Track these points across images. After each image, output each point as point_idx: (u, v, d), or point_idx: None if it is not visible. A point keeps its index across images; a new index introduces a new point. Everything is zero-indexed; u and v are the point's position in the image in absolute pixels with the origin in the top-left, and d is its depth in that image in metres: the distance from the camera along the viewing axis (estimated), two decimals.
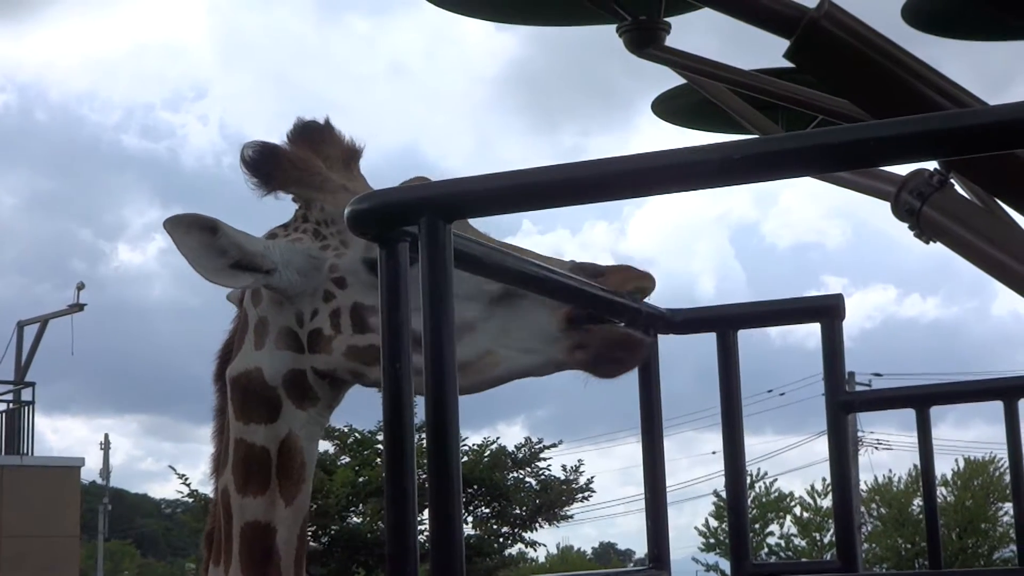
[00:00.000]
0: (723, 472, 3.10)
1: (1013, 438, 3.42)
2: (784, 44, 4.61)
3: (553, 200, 2.03)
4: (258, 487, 3.47)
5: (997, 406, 3.37)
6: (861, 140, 1.82)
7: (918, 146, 1.83)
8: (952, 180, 5.28)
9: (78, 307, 35.87)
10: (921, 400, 3.37)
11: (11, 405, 24.20)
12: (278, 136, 3.64)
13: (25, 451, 22.47)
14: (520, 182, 2.02)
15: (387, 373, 2.14)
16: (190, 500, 46.25)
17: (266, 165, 3.58)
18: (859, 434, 57.30)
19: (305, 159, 3.60)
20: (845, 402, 3.12)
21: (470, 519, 44.41)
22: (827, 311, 3.12)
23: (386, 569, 2.10)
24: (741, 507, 3.09)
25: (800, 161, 1.89)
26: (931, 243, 5.36)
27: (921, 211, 5.23)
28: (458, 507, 1.98)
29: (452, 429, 1.97)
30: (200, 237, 3.44)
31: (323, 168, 3.62)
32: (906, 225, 5.36)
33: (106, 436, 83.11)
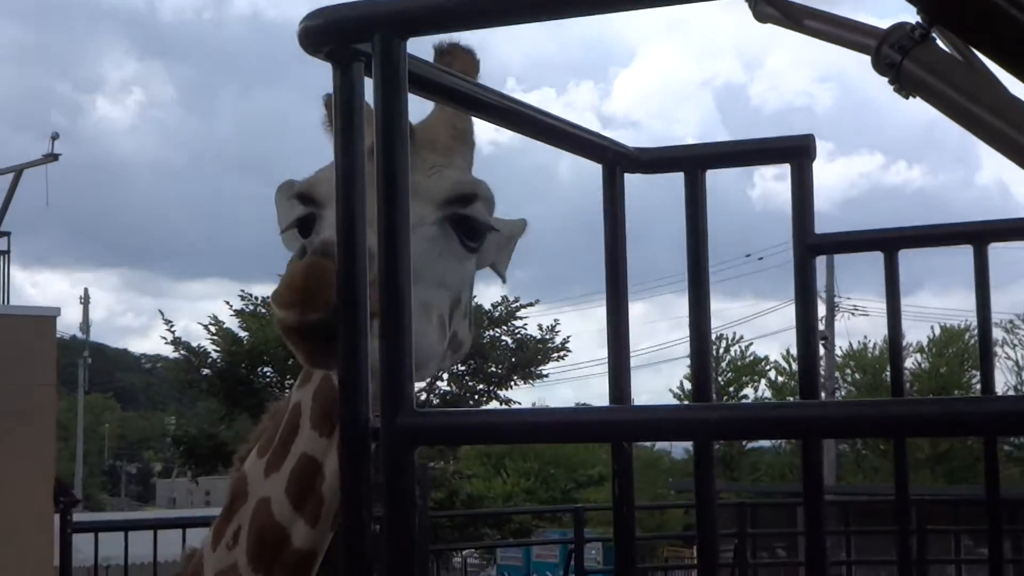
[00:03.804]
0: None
1: (982, 284, 3.40)
2: None
3: (514, 15, 1.95)
4: None
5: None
6: None
7: None
8: (934, 34, 5.21)
9: (52, 157, 35.66)
10: (890, 243, 3.34)
11: None
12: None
13: (0, 300, 22.53)
14: None
15: (340, 197, 2.09)
16: (172, 354, 46.50)
17: None
18: (836, 299, 57.55)
19: None
20: (813, 244, 3.08)
21: (445, 375, 44.76)
22: (797, 151, 3.07)
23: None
24: (705, 348, 3.03)
25: None
26: (911, 98, 5.30)
27: (901, 65, 5.15)
28: (408, 337, 1.94)
29: (403, 252, 1.92)
30: None
31: None
32: (886, 79, 5.29)
33: (86, 290, 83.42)
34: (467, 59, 3.24)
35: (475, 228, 3.18)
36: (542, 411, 1.93)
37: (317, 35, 2.05)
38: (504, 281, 3.56)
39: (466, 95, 2.43)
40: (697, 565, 3.12)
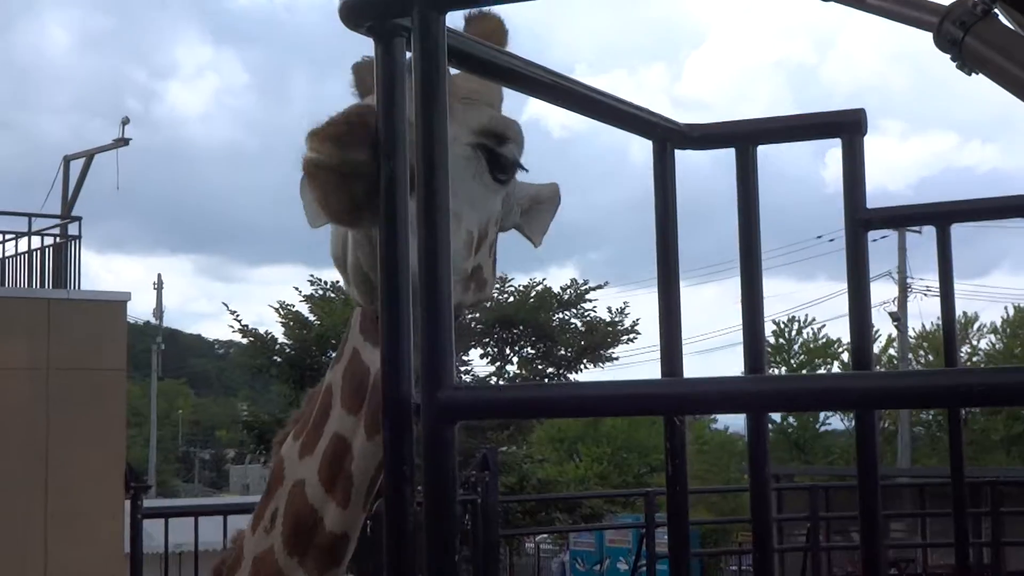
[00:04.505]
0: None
1: None
2: None
3: None
4: None
5: None
6: None
7: None
8: (996, 10, 5.15)
9: (123, 142, 36.02)
10: (942, 217, 3.30)
11: (58, 240, 24.39)
12: None
13: (72, 285, 22.70)
14: None
15: (384, 172, 2.10)
16: (244, 340, 46.88)
17: None
18: (908, 280, 57.14)
19: None
20: (865, 220, 3.05)
21: (515, 359, 44.79)
22: (848, 126, 3.03)
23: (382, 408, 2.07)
24: (757, 326, 3.02)
25: None
26: (973, 74, 5.25)
27: (963, 41, 5.11)
28: (449, 313, 1.93)
29: (442, 222, 1.92)
30: None
31: None
32: (948, 56, 5.24)
33: (159, 276, 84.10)
34: (494, 24, 3.18)
35: (505, 164, 3.13)
36: (586, 384, 1.93)
37: (358, 10, 2.05)
38: (536, 246, 3.50)
39: (507, 68, 2.42)
40: (753, 542, 3.10)
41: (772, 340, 65.72)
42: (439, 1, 1.95)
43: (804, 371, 65.27)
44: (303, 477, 3.39)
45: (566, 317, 45.15)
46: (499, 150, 3.10)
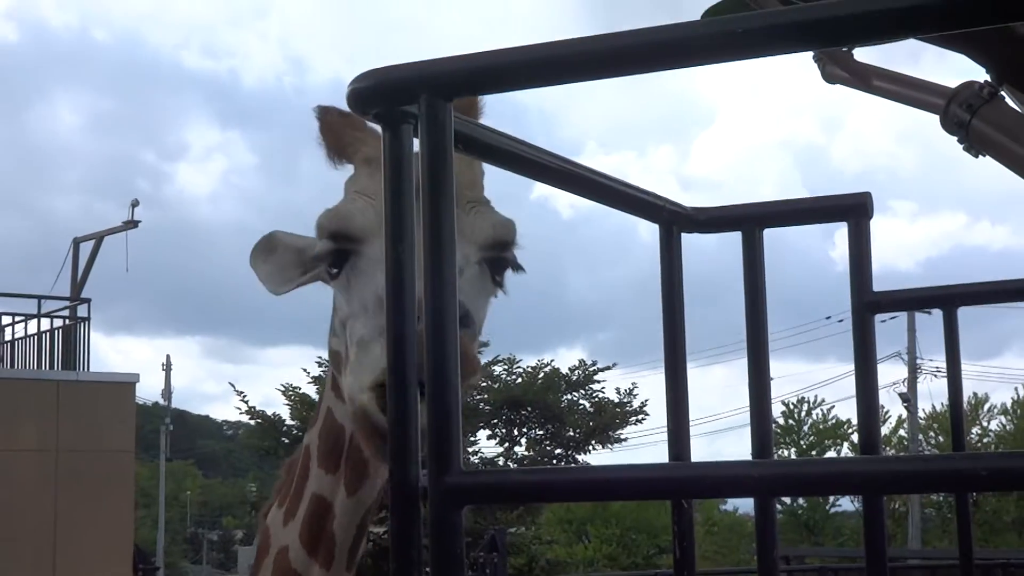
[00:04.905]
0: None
1: None
2: None
3: (557, 76, 1.96)
4: None
5: None
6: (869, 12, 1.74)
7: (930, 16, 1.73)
8: (1003, 93, 5.18)
9: (133, 224, 36.13)
10: (949, 300, 3.29)
11: (67, 321, 24.37)
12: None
13: (81, 367, 22.64)
14: (524, 57, 1.96)
15: (390, 257, 2.10)
16: (251, 422, 46.85)
17: None
18: (918, 360, 57.06)
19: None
20: (872, 303, 3.05)
21: (523, 440, 44.65)
22: (854, 210, 3.04)
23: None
24: (765, 410, 3.02)
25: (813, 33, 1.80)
26: (980, 156, 5.27)
27: (970, 124, 5.13)
28: (456, 395, 1.94)
29: (450, 313, 1.92)
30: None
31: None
32: (955, 139, 5.27)
33: (168, 357, 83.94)
34: (470, 99, 3.24)
35: (503, 267, 3.23)
36: (593, 469, 1.93)
37: (365, 97, 2.06)
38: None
39: (513, 154, 2.43)
40: None
41: (782, 421, 65.60)
42: (446, 89, 1.96)
43: (814, 452, 65.09)
44: (286, 543, 3.41)
45: (574, 398, 45.04)
46: (503, 255, 3.15)
